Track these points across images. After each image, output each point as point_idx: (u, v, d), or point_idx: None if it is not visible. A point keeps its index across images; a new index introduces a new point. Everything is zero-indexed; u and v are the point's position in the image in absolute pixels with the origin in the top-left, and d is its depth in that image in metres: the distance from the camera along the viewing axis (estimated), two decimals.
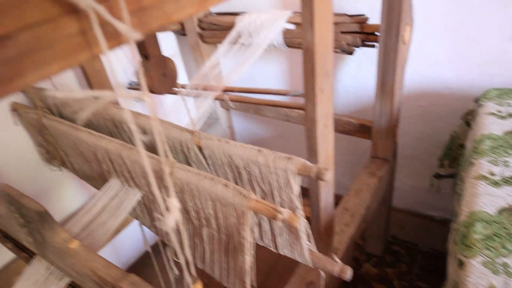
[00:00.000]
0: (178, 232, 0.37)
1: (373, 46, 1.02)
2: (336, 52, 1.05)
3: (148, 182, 0.66)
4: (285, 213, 0.45)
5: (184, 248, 0.35)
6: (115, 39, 0.27)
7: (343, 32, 1.01)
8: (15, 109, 0.99)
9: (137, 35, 0.25)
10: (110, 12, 0.25)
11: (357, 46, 1.03)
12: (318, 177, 0.48)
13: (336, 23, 1.00)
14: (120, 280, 0.51)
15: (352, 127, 1.16)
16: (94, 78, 1.06)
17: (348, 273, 0.56)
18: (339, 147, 1.41)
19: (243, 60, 1.10)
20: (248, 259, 0.53)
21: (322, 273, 0.64)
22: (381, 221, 1.32)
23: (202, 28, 1.28)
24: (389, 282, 1.27)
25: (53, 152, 0.99)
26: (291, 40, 1.09)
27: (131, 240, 1.44)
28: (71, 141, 0.81)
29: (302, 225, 0.54)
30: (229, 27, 1.17)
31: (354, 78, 1.26)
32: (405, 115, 1.23)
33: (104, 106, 0.78)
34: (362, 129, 1.14)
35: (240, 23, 1.14)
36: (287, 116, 1.28)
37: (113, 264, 0.55)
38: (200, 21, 1.27)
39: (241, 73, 1.05)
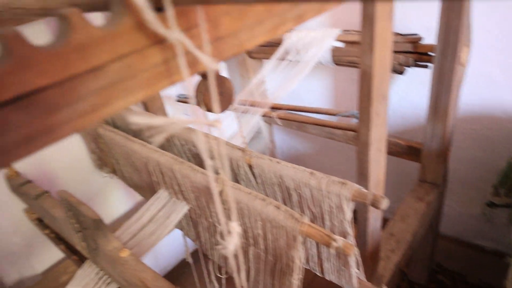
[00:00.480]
0: (236, 256, 0.37)
1: (426, 66, 0.98)
2: None
3: (196, 197, 0.67)
4: (340, 241, 0.44)
5: (240, 273, 0.35)
6: (193, 67, 0.28)
7: (395, 52, 0.98)
8: None
9: (216, 65, 0.26)
10: (192, 42, 0.26)
11: (409, 66, 1.00)
12: (374, 205, 0.47)
13: None
14: None
15: (400, 149, 1.12)
16: None
17: None
18: (386, 168, 1.37)
19: (290, 77, 1.10)
20: (296, 283, 0.52)
21: None
22: (426, 248, 1.25)
23: None
24: None
25: (105, 159, 1.04)
26: (339, 58, 1.08)
27: (171, 247, 1.47)
28: (123, 151, 0.85)
29: (352, 257, 0.53)
30: (277, 43, 1.18)
31: (403, 98, 1.22)
32: (457, 139, 1.17)
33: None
34: (410, 151, 1.10)
35: (289, 40, 1.14)
36: (331, 134, 1.26)
37: (161, 277, 0.57)
38: None
39: (288, 90, 1.06)
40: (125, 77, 0.24)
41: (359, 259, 0.55)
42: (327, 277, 0.60)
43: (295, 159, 1.63)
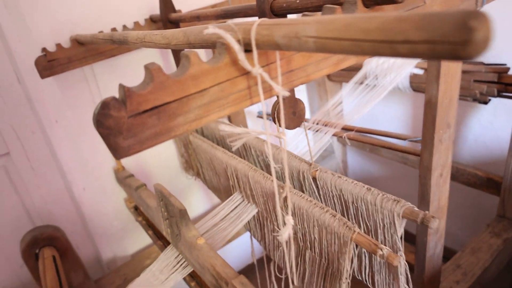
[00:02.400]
0: (288, 245, 0.44)
1: (511, 97, 0.95)
2: (466, 100, 1.01)
3: (265, 201, 0.76)
4: (385, 250, 0.49)
5: (291, 259, 0.42)
6: (269, 92, 0.37)
7: (476, 81, 0.97)
8: None
9: (286, 93, 0.35)
10: (268, 74, 0.35)
11: (493, 96, 0.98)
12: (424, 223, 0.50)
13: (469, 72, 0.98)
14: (233, 279, 0.61)
15: (478, 180, 1.08)
16: None
17: None
18: (461, 199, 1.31)
19: (366, 100, 1.15)
20: (345, 286, 0.57)
21: None
22: None
23: None
24: None
25: (191, 163, 1.19)
26: (418, 85, 1.09)
27: (239, 251, 1.57)
28: (207, 156, 0.98)
29: (402, 266, 0.56)
30: (356, 68, 1.24)
31: (486, 128, 1.18)
32: None
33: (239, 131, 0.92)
34: (489, 184, 1.06)
35: (368, 65, 1.19)
36: (404, 159, 1.26)
37: (228, 265, 0.66)
38: None
39: (363, 113, 1.10)
40: (220, 98, 0.35)
41: (409, 276, 0.58)
42: None
43: (367, 181, 1.63)
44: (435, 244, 0.72)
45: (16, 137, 1.10)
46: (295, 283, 0.44)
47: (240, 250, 1.57)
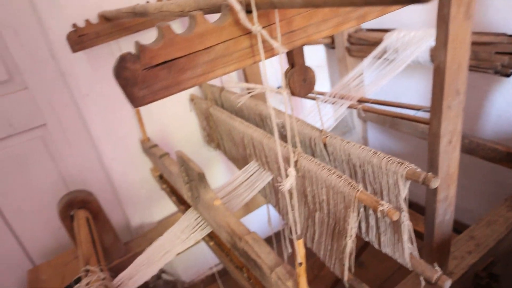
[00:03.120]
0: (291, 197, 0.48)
1: None
2: (487, 73, 0.99)
3: (279, 167, 0.80)
4: (386, 205, 0.51)
5: (295, 208, 0.46)
6: (270, 52, 0.40)
7: (498, 53, 0.95)
8: (192, 99, 1.28)
9: (284, 50, 0.38)
10: (270, 34, 0.39)
11: None
12: (425, 183, 0.53)
13: (490, 43, 0.96)
14: (246, 235, 0.66)
15: (497, 155, 1.07)
16: (251, 78, 1.28)
17: (446, 284, 0.58)
18: (479, 174, 1.29)
19: (385, 73, 1.15)
20: (350, 243, 0.61)
21: (423, 282, 0.66)
22: None
23: (351, 43, 1.37)
24: None
25: (212, 135, 1.24)
26: None
27: (257, 224, 1.63)
28: (226, 128, 1.02)
29: (405, 226, 0.59)
30: (376, 43, 1.23)
31: (511, 103, 1.15)
32: None
33: (255, 103, 0.96)
34: (509, 158, 1.04)
35: (388, 39, 1.18)
36: (424, 134, 1.26)
37: (242, 223, 0.71)
38: (349, 36, 1.36)
39: (380, 85, 1.11)
40: (224, 55, 0.38)
41: (413, 236, 0.61)
42: (383, 250, 0.67)
43: None
44: (444, 211, 0.74)
45: (52, 110, 1.19)
46: (298, 233, 0.48)
47: (258, 222, 1.62)
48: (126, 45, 1.11)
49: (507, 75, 0.97)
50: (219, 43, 0.37)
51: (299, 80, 0.67)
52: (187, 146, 1.36)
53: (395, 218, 0.51)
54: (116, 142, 1.24)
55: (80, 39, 0.95)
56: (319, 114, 0.72)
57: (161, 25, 0.35)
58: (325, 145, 0.72)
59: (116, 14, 0.84)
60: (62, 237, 1.34)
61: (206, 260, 1.56)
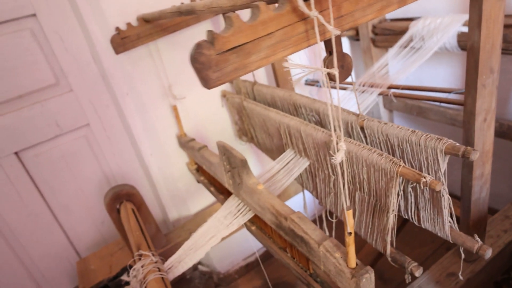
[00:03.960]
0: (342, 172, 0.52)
1: None
2: None
3: (316, 152, 0.84)
4: (428, 177, 0.55)
5: (345, 178, 0.50)
6: (322, 35, 0.45)
7: None
8: (224, 95, 1.33)
9: (338, 32, 0.42)
10: (323, 19, 0.43)
11: None
12: (465, 155, 0.56)
13: None
14: (291, 214, 0.71)
15: None
16: (279, 73, 1.32)
17: (487, 252, 0.61)
18: (511, 158, 1.30)
19: (412, 61, 1.17)
20: (392, 218, 0.65)
21: (463, 254, 0.69)
22: None
23: (375, 34, 1.40)
24: None
25: (244, 129, 1.30)
26: (465, 43, 1.10)
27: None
28: (261, 119, 1.07)
29: (445, 200, 0.62)
30: (402, 32, 1.26)
31: None
32: None
33: (289, 93, 1.00)
34: None
35: (414, 28, 1.21)
36: (453, 120, 1.27)
37: (286, 204, 0.75)
38: (374, 27, 1.39)
39: (407, 74, 1.13)
40: (283, 39, 0.43)
41: (452, 210, 0.64)
42: (423, 226, 0.70)
43: None
44: (480, 189, 0.76)
45: (94, 110, 1.27)
46: (347, 204, 0.52)
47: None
48: (163, 45, 1.18)
49: None
50: (279, 29, 0.42)
51: (338, 66, 0.71)
52: (220, 139, 1.42)
53: (438, 188, 0.54)
54: (154, 138, 1.31)
55: (123, 41, 1.02)
56: (356, 99, 0.76)
57: (230, 15, 0.40)
58: (362, 128, 0.76)
59: (159, 15, 0.90)
60: (105, 231, 1.42)
61: (241, 251, 1.61)
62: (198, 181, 1.34)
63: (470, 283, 0.83)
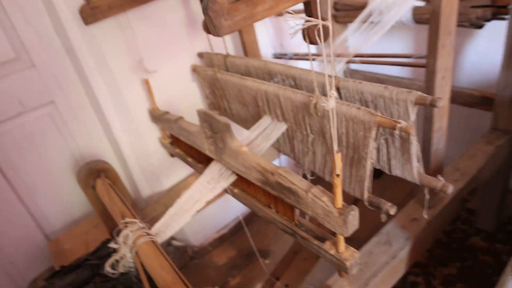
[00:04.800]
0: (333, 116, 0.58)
1: (503, 19, 1.07)
2: (463, 26, 1.13)
3: (295, 114, 0.90)
4: (403, 123, 0.63)
5: (335, 124, 0.56)
6: None
7: (473, 7, 1.09)
8: (195, 69, 1.35)
9: None
10: None
11: (487, 20, 1.09)
12: (432, 104, 0.64)
13: None
14: (277, 169, 0.76)
15: (474, 99, 1.22)
16: (249, 47, 1.36)
17: (449, 189, 0.71)
18: (457, 121, 1.45)
19: (370, 35, 1.26)
20: (369, 165, 0.72)
21: (427, 195, 0.79)
22: (495, 197, 1.34)
23: (337, 9, 1.48)
24: (498, 257, 1.30)
25: (216, 103, 1.32)
26: (420, 17, 1.20)
27: None
28: (236, 89, 1.11)
29: (414, 146, 0.71)
30: (361, 7, 1.34)
31: (482, 54, 1.30)
32: None
33: (264, 62, 1.05)
34: (483, 101, 1.20)
35: (373, 2, 1.29)
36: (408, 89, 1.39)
37: (271, 162, 0.81)
38: (335, 3, 1.46)
39: (366, 47, 1.22)
40: None
41: (420, 155, 0.73)
42: (393, 173, 0.79)
43: None
44: (438, 140, 0.87)
45: (59, 87, 1.22)
46: (336, 148, 0.59)
47: None
48: (134, 17, 1.16)
49: (480, 27, 1.10)
50: None
51: (313, 31, 0.76)
52: (192, 115, 1.43)
53: (412, 131, 0.62)
54: (125, 114, 1.29)
55: (93, 11, 1.00)
56: (332, 61, 0.82)
57: None
58: (337, 88, 0.83)
59: None
60: (75, 212, 1.39)
61: (214, 224, 1.65)
62: (173, 155, 1.35)
63: (430, 226, 0.95)
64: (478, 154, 1.11)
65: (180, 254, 1.62)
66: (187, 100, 1.42)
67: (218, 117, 0.88)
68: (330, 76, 0.57)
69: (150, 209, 1.33)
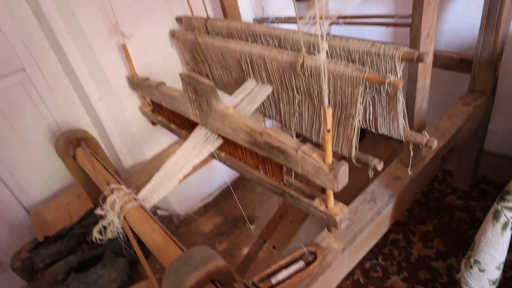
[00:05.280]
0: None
1: None
2: None
3: (281, 76, 0.89)
4: (392, 77, 0.63)
5: (325, 78, 0.56)
6: None
7: None
8: (173, 34, 1.30)
9: None
10: None
11: None
12: (419, 59, 0.65)
13: None
14: (265, 130, 0.76)
15: (453, 62, 1.24)
16: (229, 11, 1.32)
17: (434, 144, 0.73)
18: (435, 85, 1.48)
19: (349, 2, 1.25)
20: (357, 122, 0.73)
21: (411, 152, 0.81)
22: (471, 157, 1.39)
23: None
24: (472, 213, 1.37)
25: (196, 69, 1.29)
26: None
27: None
28: (218, 53, 1.08)
29: (400, 103, 0.72)
30: None
31: (460, 17, 1.31)
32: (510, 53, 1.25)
33: (247, 24, 1.02)
34: (462, 64, 1.22)
35: None
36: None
37: (259, 123, 0.80)
38: None
39: (347, 11, 1.20)
40: None
41: (405, 112, 0.74)
42: (379, 131, 0.80)
43: None
44: (422, 99, 0.89)
45: (28, 53, 1.16)
46: (327, 103, 0.58)
47: None
48: None
49: None
50: None
51: None
52: (172, 82, 1.39)
53: (400, 86, 0.63)
54: (102, 82, 1.24)
55: None
56: (318, 18, 0.81)
57: None
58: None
59: None
60: (54, 184, 1.35)
61: (198, 192, 1.65)
62: (154, 123, 1.32)
63: (412, 184, 0.98)
64: (456, 115, 1.14)
65: (166, 224, 1.62)
66: (166, 67, 1.37)
67: (202, 79, 0.86)
68: (320, 29, 0.56)
69: (133, 178, 1.31)
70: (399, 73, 0.71)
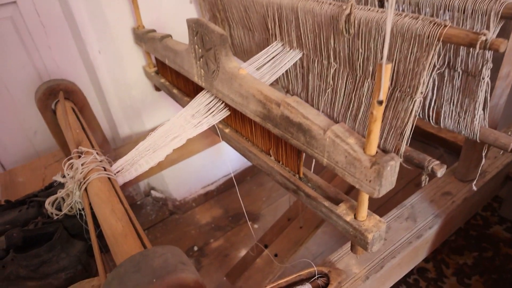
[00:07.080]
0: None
1: None
2: None
3: (315, 36, 0.67)
4: (488, 34, 0.41)
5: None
6: None
7: None
8: None
9: None
10: None
11: None
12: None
13: None
14: (284, 99, 0.55)
15: None
16: None
17: None
18: None
19: None
20: (418, 102, 0.51)
21: (483, 159, 0.58)
22: None
23: None
24: None
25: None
26: None
27: None
28: (241, 7, 0.87)
29: (485, 83, 0.49)
30: None
31: None
32: None
33: None
34: None
35: None
36: None
37: (275, 89, 0.59)
38: None
39: None
40: None
41: (488, 100, 0.52)
42: (442, 125, 0.58)
43: None
44: (502, 92, 0.65)
45: None
46: (386, 57, 0.37)
47: None
48: None
49: None
50: None
51: None
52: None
53: (502, 48, 0.40)
54: (103, 30, 1.06)
55: None
56: None
57: None
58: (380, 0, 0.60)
59: None
60: (38, 143, 1.19)
61: (200, 178, 1.46)
62: (157, 88, 1.13)
63: (465, 204, 0.75)
64: None
65: (159, 207, 1.44)
66: (182, 25, 1.17)
67: (212, 26, 0.65)
68: None
69: (124, 149, 1.12)
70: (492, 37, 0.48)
